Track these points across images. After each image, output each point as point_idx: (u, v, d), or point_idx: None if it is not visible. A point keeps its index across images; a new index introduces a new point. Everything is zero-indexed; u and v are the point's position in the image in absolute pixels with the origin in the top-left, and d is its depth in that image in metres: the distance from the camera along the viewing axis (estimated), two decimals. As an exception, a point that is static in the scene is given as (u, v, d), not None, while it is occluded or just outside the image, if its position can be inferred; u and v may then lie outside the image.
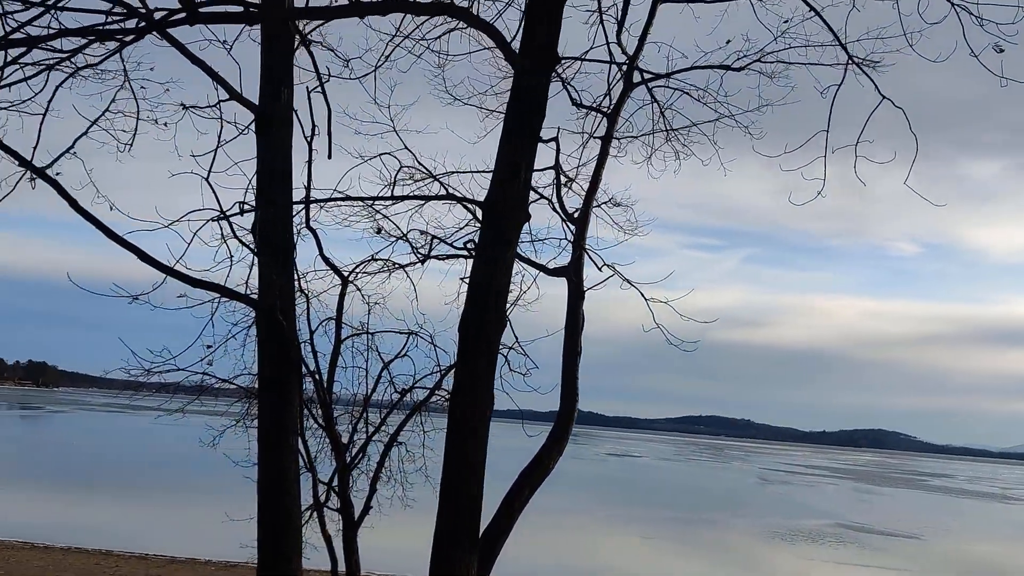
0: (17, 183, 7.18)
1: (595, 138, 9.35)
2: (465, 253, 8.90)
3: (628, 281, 9.18)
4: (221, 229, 7.47)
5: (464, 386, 7.46)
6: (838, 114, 8.62)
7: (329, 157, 8.64)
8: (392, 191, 9.12)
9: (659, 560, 36.09)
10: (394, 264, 9.00)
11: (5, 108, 7.49)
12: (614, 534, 42.04)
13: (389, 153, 9.03)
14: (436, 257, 9.03)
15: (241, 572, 24.44)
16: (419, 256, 8.99)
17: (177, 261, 7.20)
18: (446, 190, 9.36)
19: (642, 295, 9.10)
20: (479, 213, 9.10)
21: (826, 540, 46.53)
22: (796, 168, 7.56)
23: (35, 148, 7.39)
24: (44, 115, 7.59)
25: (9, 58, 7.09)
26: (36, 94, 7.60)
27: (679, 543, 41.93)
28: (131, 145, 7.97)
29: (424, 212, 9.29)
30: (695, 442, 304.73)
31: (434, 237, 8.93)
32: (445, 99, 9.20)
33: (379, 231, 9.36)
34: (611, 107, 9.47)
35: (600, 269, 9.14)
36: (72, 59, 7.61)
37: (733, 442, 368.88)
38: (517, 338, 8.33)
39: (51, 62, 7.34)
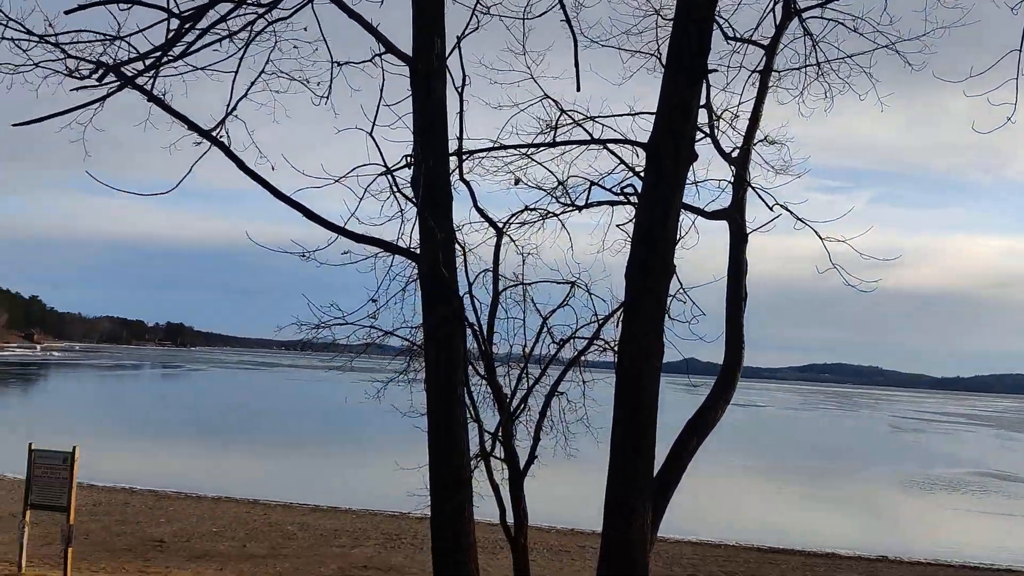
0: (203, 156, 7.27)
1: (756, 72, 8.89)
2: (622, 199, 8.65)
3: (802, 220, 8.75)
4: (390, 183, 7.46)
5: (633, 335, 7.29)
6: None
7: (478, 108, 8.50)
8: (540, 139, 8.90)
9: (798, 511, 35.42)
10: (548, 213, 8.84)
11: (172, 76, 7.66)
12: (751, 485, 41.52)
13: (537, 100, 8.80)
14: (592, 205, 8.78)
15: (387, 520, 25.44)
16: (574, 204, 8.76)
17: (350, 217, 7.22)
18: (590, 135, 9.10)
19: (817, 235, 8.67)
20: (632, 159, 8.84)
21: (968, 488, 44.63)
22: (981, 94, 6.91)
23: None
24: (234, 79, 7.63)
25: (194, 28, 7.17)
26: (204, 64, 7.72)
27: (815, 493, 41.02)
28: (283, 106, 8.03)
29: (573, 160, 9.04)
30: (821, 390, 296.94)
31: (592, 183, 8.67)
32: (581, 42, 8.86)
33: (517, 183, 9.22)
34: (768, 39, 9.01)
35: (771, 208, 8.73)
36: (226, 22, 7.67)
37: (861, 390, 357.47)
38: (682, 284, 8.06)
39: (226, 31, 7.40)
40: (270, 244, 7.69)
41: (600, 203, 8.86)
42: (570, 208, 8.79)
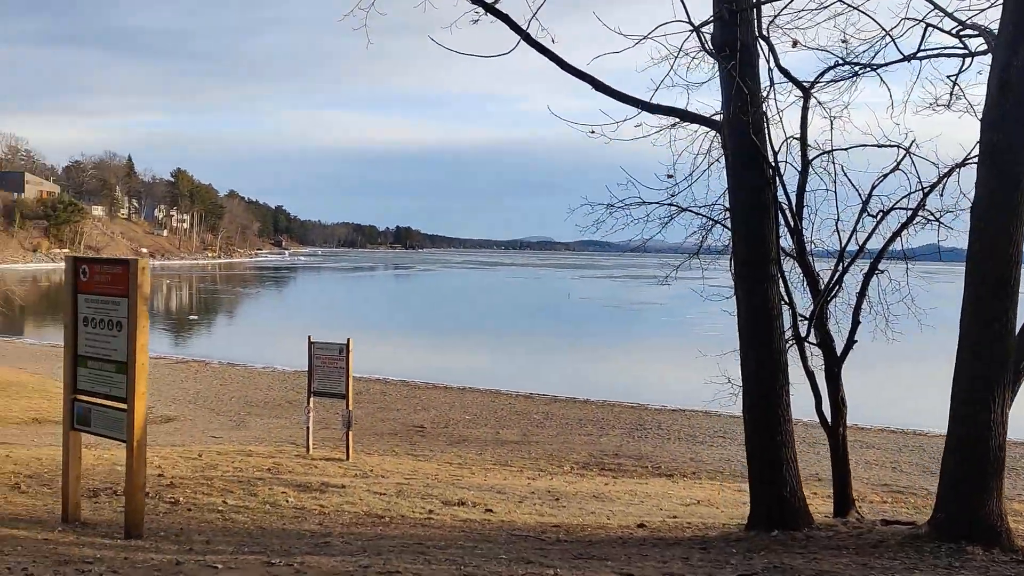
0: (515, 46, 6.79)
1: None
2: (961, 48, 7.25)
3: None
4: (701, 40, 6.68)
5: (994, 203, 6.15)
6: None
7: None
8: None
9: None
10: (864, 67, 7.64)
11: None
12: None
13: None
14: (926, 53, 7.41)
15: (626, 410, 25.48)
16: (903, 54, 7.45)
17: (655, 90, 6.57)
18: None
19: None
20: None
21: None
22: None
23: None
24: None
25: None
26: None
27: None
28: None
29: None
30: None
31: (929, 26, 7.27)
32: None
33: (795, 44, 8.05)
34: None
35: None
36: None
37: None
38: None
39: None
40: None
41: (934, 51, 7.46)
42: (898, 59, 7.44)
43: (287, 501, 8.98)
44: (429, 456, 16.92)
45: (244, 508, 8.30)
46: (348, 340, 14.97)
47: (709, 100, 7.64)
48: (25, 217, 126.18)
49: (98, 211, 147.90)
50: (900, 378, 30.43)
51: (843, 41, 7.42)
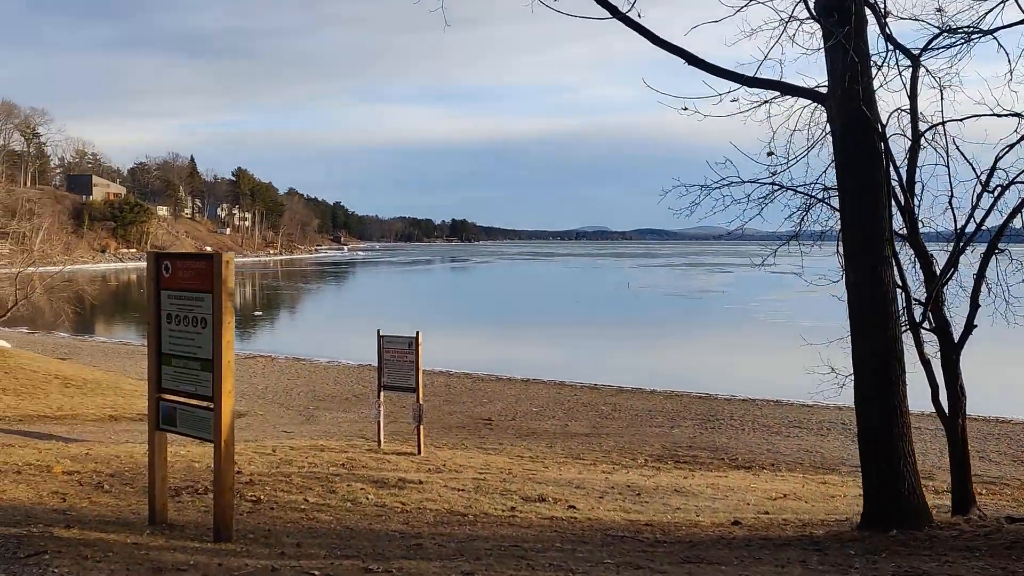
0: (607, 17, 6.45)
1: None
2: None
3: None
4: (807, 5, 6.23)
5: None
6: None
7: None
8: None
9: None
10: (979, 32, 7.02)
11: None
12: None
13: None
14: None
15: (696, 401, 24.95)
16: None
17: (761, 61, 6.15)
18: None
19: None
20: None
21: None
22: None
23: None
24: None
25: None
26: None
27: None
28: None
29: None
30: None
31: None
32: None
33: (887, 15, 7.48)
34: None
35: None
36: None
37: None
38: None
39: None
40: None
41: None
42: (1010, 25, 6.85)
43: (367, 498, 8.81)
44: (499, 449, 16.68)
45: (326, 506, 8.13)
46: (417, 333, 14.79)
47: (799, 77, 7.16)
48: (93, 219, 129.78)
49: (163, 211, 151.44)
50: (983, 363, 29.28)
51: (938, 10, 6.87)
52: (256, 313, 57.96)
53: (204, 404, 5.73)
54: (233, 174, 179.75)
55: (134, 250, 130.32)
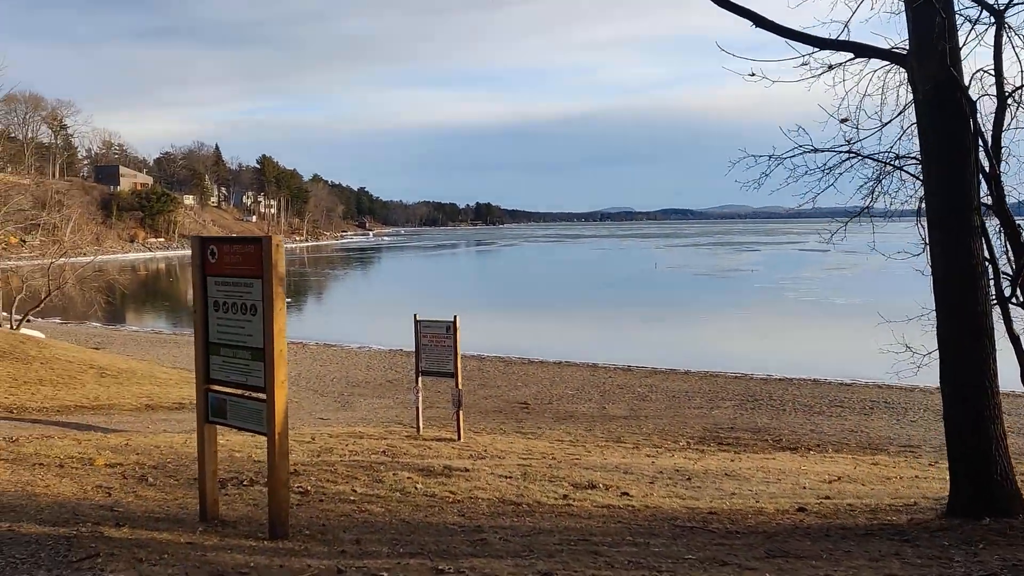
0: None
1: None
2: None
3: None
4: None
5: None
6: None
7: None
8: None
9: None
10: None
11: None
12: None
13: None
14: None
15: (731, 380, 24.54)
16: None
17: (848, 20, 5.72)
18: None
19: None
20: None
21: None
22: None
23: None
24: None
25: None
26: None
27: None
28: None
29: None
30: None
31: None
32: None
33: None
34: None
35: None
36: None
37: None
38: None
39: None
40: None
41: None
42: None
43: (416, 488, 8.55)
44: (538, 434, 16.40)
45: (375, 497, 7.87)
46: (455, 318, 14.50)
47: (870, 39, 6.73)
48: (121, 209, 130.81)
49: (189, 200, 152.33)
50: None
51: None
52: (286, 300, 58.08)
53: (256, 395, 5.46)
54: (258, 162, 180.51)
55: (162, 239, 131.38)
